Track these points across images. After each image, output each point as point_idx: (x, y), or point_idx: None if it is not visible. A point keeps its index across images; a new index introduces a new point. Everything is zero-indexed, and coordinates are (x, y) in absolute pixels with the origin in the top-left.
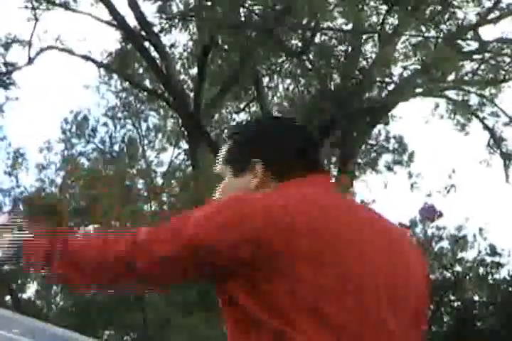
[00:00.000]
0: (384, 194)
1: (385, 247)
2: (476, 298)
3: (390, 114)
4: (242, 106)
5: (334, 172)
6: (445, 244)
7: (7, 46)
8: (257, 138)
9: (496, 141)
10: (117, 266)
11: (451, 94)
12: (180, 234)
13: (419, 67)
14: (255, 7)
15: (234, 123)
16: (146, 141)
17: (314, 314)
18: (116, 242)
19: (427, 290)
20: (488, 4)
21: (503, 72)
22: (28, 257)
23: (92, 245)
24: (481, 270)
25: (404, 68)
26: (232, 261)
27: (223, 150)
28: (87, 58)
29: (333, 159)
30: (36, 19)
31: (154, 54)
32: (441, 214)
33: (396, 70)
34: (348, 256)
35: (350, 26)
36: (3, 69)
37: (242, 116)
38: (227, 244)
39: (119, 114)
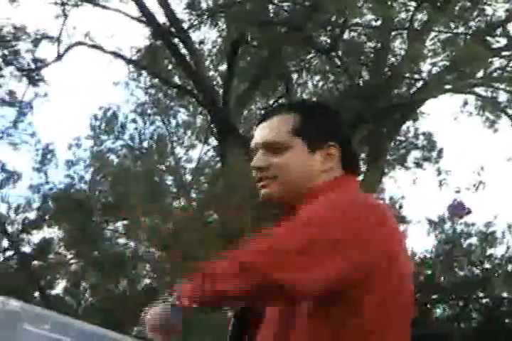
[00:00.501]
0: (413, 190)
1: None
2: (505, 294)
3: (418, 110)
4: (271, 102)
5: (363, 168)
6: (474, 240)
7: (36, 42)
8: (336, 121)
9: None
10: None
11: (480, 90)
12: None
13: (448, 63)
14: (284, 3)
15: None
16: (175, 138)
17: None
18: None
19: None
20: None
21: None
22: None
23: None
24: (510, 267)
25: (433, 65)
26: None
27: (290, 120)
28: (116, 55)
29: (362, 155)
30: (65, 15)
31: (183, 50)
32: (469, 211)
33: (425, 67)
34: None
35: (379, 23)
36: (32, 66)
37: None
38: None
39: (149, 111)
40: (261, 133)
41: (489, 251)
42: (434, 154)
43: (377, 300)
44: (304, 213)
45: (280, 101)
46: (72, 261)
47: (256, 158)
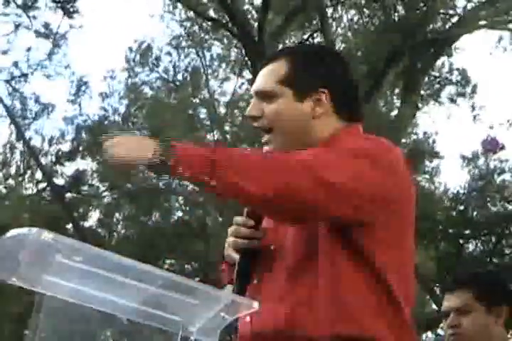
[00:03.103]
0: (447, 126)
1: None
2: None
3: (453, 46)
4: (306, 36)
5: (397, 103)
6: (507, 176)
7: None
8: (329, 65)
9: None
10: (294, 172)
11: None
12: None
13: None
14: None
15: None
16: (209, 71)
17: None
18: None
19: None
20: None
21: None
22: (187, 167)
23: (253, 155)
24: None
25: (469, 0)
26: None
27: (280, 69)
28: None
29: (397, 90)
30: None
31: None
32: (503, 147)
33: (460, 2)
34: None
35: None
36: None
37: None
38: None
39: (183, 43)
40: (256, 81)
41: None
42: (469, 90)
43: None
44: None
45: (315, 34)
46: (105, 193)
47: (250, 106)
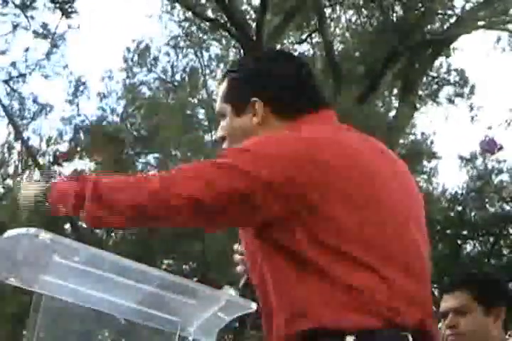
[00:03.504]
0: (445, 126)
1: (399, 176)
2: None
3: (451, 46)
4: (304, 36)
5: (395, 103)
6: (505, 176)
7: None
8: (255, 74)
9: None
10: (153, 203)
11: None
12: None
13: None
14: None
15: (296, 53)
16: (207, 71)
17: (360, 246)
18: (149, 180)
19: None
20: None
21: None
22: (58, 200)
23: (123, 185)
24: None
25: (467, 1)
26: (269, 199)
27: (222, 88)
28: None
29: (395, 91)
30: None
31: None
32: (501, 147)
33: (458, 2)
34: (378, 188)
35: None
36: None
37: (304, 47)
38: (263, 179)
39: (181, 44)
40: None
41: None
42: (467, 90)
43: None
44: None
45: (313, 35)
46: None
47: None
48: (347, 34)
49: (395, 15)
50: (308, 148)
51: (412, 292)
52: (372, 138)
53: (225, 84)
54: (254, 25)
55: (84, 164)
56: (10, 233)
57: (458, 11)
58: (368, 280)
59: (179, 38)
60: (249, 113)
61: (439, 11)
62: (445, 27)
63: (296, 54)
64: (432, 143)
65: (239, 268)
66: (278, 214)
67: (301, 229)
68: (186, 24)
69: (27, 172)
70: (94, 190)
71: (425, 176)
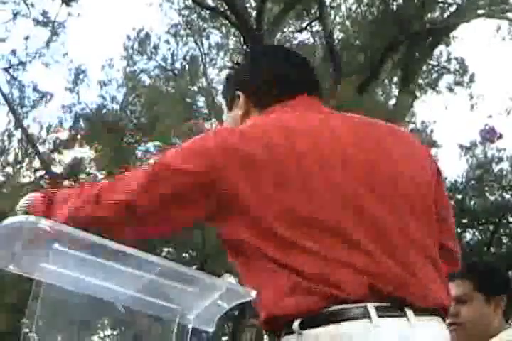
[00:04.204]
0: (445, 115)
1: (365, 148)
2: None
3: (451, 35)
4: (304, 25)
5: (395, 92)
6: (505, 165)
7: None
8: (240, 69)
9: None
10: (117, 212)
11: None
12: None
13: None
14: None
15: (295, 42)
16: (207, 59)
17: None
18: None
19: (433, 179)
20: None
21: None
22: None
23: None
24: None
25: None
26: (203, 190)
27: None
28: None
29: (395, 79)
30: None
31: None
32: (501, 136)
33: None
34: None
35: None
36: None
37: (305, 36)
38: (195, 171)
39: (182, 32)
40: None
41: None
42: (466, 79)
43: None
44: None
45: (313, 23)
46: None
47: None
48: (347, 23)
49: (395, 3)
50: (234, 138)
51: (361, 264)
52: (379, 124)
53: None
54: (254, 13)
55: (84, 152)
56: (9, 220)
57: None
58: (300, 260)
59: (179, 26)
60: (236, 106)
61: (439, 0)
62: (445, 16)
63: (295, 43)
64: (431, 131)
65: None
66: (211, 207)
67: (232, 218)
68: (186, 12)
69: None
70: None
71: None
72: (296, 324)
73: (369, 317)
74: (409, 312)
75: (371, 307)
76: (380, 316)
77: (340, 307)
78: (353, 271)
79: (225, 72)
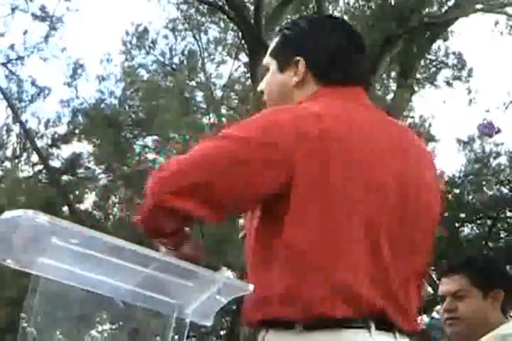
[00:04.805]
0: (443, 109)
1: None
2: None
3: (449, 29)
4: None
5: (393, 87)
6: (503, 159)
7: None
8: (304, 34)
9: None
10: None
11: (511, 10)
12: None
13: None
14: None
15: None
16: (206, 54)
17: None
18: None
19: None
20: None
21: None
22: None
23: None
24: None
25: None
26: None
27: (273, 43)
28: None
29: (393, 74)
30: None
31: None
32: (499, 130)
33: None
34: (371, 164)
35: None
36: None
37: None
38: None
39: (180, 26)
40: None
41: None
42: (465, 73)
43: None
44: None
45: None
46: (101, 175)
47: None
48: (345, 17)
49: None
50: (294, 121)
51: (380, 282)
52: (402, 128)
53: (276, 39)
54: (252, 7)
55: (83, 146)
56: (7, 215)
57: None
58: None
59: (178, 21)
60: (291, 71)
61: None
62: (443, 10)
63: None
64: (430, 126)
65: None
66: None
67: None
68: (185, 7)
69: None
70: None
71: None
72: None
73: (369, 329)
74: (397, 332)
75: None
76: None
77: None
78: (375, 288)
79: (224, 67)
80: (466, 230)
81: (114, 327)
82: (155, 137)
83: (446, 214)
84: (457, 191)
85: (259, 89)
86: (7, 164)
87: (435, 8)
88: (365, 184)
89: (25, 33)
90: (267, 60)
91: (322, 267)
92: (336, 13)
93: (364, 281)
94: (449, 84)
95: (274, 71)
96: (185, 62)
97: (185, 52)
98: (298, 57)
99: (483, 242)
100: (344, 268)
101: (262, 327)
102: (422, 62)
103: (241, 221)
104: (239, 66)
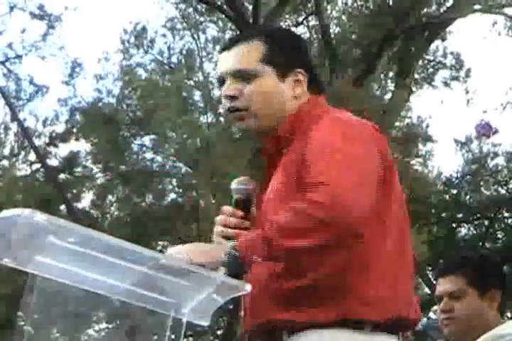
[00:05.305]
0: (440, 110)
1: None
2: None
3: (447, 29)
4: (300, 19)
5: (391, 87)
6: (500, 160)
7: None
8: (300, 47)
9: None
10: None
11: (509, 11)
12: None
13: None
14: None
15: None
16: (204, 53)
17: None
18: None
19: None
20: None
21: None
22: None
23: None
24: None
25: None
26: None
27: (258, 48)
28: None
29: (390, 74)
30: None
31: None
32: (496, 131)
33: None
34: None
35: None
36: None
37: (301, 30)
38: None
39: (178, 26)
40: (228, 62)
41: None
42: (462, 74)
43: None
44: (329, 148)
45: (309, 18)
46: (98, 174)
47: (226, 86)
48: (343, 17)
49: None
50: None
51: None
52: None
53: (260, 44)
54: (250, 7)
55: (80, 145)
56: (4, 214)
57: None
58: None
59: (176, 20)
60: (290, 81)
61: None
62: (441, 10)
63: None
64: (427, 126)
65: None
66: None
67: None
68: (183, 6)
69: None
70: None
71: (421, 159)
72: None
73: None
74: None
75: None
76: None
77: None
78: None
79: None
80: (464, 230)
81: (110, 326)
82: (153, 136)
83: (443, 214)
84: (455, 191)
85: (229, 93)
86: (5, 162)
87: (433, 8)
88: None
89: (23, 31)
90: (256, 66)
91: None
92: (335, 13)
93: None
94: (446, 84)
95: (273, 78)
96: (183, 61)
97: (184, 51)
98: (299, 69)
99: (481, 242)
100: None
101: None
102: (420, 62)
103: None
104: None
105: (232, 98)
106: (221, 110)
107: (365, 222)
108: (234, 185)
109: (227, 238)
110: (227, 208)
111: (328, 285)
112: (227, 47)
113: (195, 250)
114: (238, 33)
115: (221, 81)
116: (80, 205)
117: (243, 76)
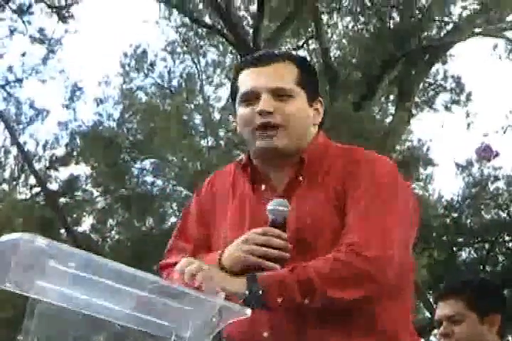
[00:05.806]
0: (441, 133)
1: None
2: None
3: (448, 53)
4: (300, 43)
5: (392, 110)
6: (501, 183)
7: None
8: (316, 76)
9: None
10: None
11: (510, 34)
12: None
13: (478, 6)
14: None
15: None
16: (204, 76)
17: None
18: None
19: None
20: None
21: None
22: (277, 293)
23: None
24: None
25: (464, 8)
26: None
27: (293, 70)
28: None
29: (391, 97)
30: None
31: None
32: (497, 154)
33: (455, 10)
34: None
35: None
36: (63, 3)
37: (301, 53)
38: None
39: (178, 49)
40: (266, 77)
41: None
42: (463, 97)
43: None
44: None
45: (310, 41)
46: (99, 198)
47: (263, 102)
48: (344, 40)
49: (391, 21)
50: None
51: None
52: None
53: (293, 67)
54: (251, 31)
55: (81, 169)
56: (5, 238)
57: (455, 18)
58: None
59: (176, 44)
60: (313, 108)
61: (436, 18)
62: (442, 34)
63: None
64: (428, 149)
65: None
66: None
67: None
68: (183, 30)
69: None
70: (308, 275)
71: (421, 183)
72: None
73: None
74: None
75: None
76: None
77: None
78: None
79: (222, 90)
80: (464, 254)
81: None
82: (153, 160)
83: (444, 237)
84: (455, 215)
85: (266, 109)
86: (5, 186)
87: (434, 31)
88: None
89: (23, 55)
90: (292, 86)
91: None
92: (335, 37)
93: None
94: (447, 108)
95: (304, 102)
96: (183, 84)
97: (184, 75)
98: (320, 98)
99: (481, 266)
100: None
101: None
102: (421, 86)
103: None
104: None
105: (268, 114)
106: (222, 133)
107: (402, 277)
108: (274, 206)
109: (269, 259)
110: (271, 229)
111: None
112: (257, 62)
113: (216, 276)
114: (239, 56)
115: (249, 95)
116: (80, 229)
117: (280, 94)
